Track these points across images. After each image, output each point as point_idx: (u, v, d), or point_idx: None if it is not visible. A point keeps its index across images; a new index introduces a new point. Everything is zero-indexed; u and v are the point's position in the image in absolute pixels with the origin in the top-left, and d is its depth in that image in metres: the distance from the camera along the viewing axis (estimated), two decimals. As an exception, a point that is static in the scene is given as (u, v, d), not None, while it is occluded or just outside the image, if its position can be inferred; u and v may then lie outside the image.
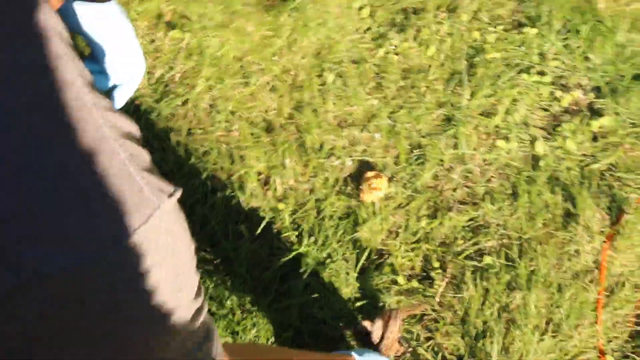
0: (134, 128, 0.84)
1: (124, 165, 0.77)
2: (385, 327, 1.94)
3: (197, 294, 0.93)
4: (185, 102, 2.47)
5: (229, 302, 2.06)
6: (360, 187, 2.24)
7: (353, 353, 1.86)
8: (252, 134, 2.38)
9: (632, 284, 2.11)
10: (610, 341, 2.04)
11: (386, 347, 1.94)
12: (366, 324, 1.98)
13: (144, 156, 0.82)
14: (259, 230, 2.17)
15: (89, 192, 0.73)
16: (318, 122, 2.39)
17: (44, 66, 0.74)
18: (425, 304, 2.08)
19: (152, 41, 2.63)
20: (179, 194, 0.83)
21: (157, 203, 0.78)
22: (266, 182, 2.30)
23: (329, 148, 2.34)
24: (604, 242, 2.16)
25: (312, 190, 2.27)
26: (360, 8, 2.72)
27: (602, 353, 2.02)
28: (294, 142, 2.36)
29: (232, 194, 2.25)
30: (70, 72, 0.77)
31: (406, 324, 2.04)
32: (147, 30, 2.66)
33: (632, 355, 2.02)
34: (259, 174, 2.31)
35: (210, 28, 2.62)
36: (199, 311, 0.94)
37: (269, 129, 2.41)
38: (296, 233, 2.18)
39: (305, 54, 2.59)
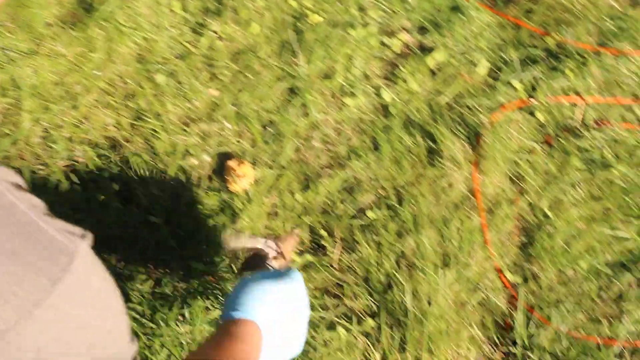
0: (18, 178, 0.79)
1: (27, 216, 0.72)
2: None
3: (132, 339, 0.88)
4: (15, 142, 2.28)
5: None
6: (227, 178, 2.18)
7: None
8: (98, 156, 2.24)
9: (506, 200, 2.20)
10: (503, 257, 2.12)
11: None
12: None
13: (40, 203, 0.78)
14: (138, 247, 2.06)
15: None
16: (163, 126, 2.30)
17: None
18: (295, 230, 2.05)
19: (-41, 86, 2.41)
20: (90, 235, 0.78)
21: (73, 247, 0.73)
22: (127, 200, 2.18)
23: (183, 149, 2.26)
24: (472, 168, 2.23)
25: (178, 195, 2.18)
26: (170, 3, 2.62)
27: (500, 271, 2.09)
28: (145, 152, 2.25)
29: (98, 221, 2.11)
30: None
31: (312, 297, 2.02)
32: (-51, 76, 2.44)
33: (526, 265, 2.11)
34: (118, 192, 2.18)
35: (18, 59, 2.43)
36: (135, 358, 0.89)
37: (114, 146, 2.28)
38: (176, 241, 2.08)
39: (127, 61, 2.47)
